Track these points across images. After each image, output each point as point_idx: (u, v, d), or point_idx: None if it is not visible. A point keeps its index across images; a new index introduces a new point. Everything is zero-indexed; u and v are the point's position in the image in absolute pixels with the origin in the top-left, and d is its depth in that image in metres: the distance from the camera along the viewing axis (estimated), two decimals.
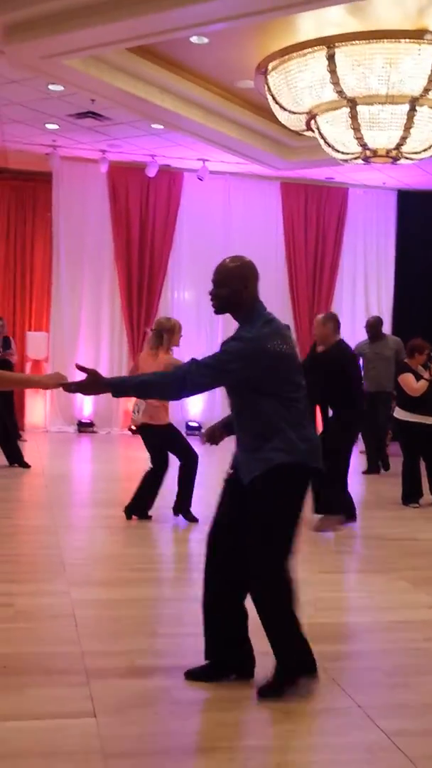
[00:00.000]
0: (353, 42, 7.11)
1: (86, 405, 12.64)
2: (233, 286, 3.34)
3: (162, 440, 6.51)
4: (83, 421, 12.60)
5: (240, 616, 3.39)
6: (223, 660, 3.43)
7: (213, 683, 3.38)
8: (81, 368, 3.27)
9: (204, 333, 12.57)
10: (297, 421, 3.30)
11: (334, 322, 6.61)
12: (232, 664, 3.43)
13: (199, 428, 12.49)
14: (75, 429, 12.54)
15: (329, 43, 7.13)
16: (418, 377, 7.55)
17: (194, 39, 7.64)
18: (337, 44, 7.12)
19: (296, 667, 3.32)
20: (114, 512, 6.63)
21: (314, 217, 13.21)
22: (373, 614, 4.50)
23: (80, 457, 11.31)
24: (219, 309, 3.42)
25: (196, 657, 3.49)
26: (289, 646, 3.32)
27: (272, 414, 3.27)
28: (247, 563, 3.30)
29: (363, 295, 13.59)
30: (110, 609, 4.33)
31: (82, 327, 12.59)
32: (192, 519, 6.49)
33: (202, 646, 3.44)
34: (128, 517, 6.50)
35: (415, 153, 8.27)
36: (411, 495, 7.63)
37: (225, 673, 3.42)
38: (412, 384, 7.52)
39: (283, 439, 3.26)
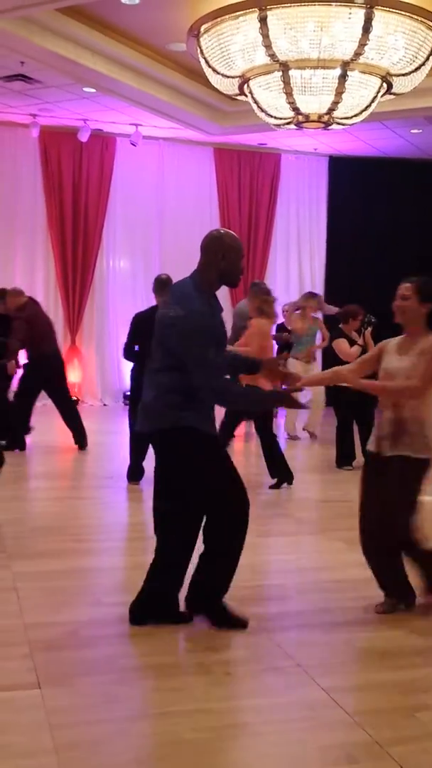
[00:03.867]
0: (285, 5, 7.06)
1: None
2: None
3: None
4: None
5: None
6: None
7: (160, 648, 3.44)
8: None
9: (140, 301, 12.42)
10: None
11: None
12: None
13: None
14: None
15: (261, 5, 7.07)
16: (352, 343, 7.67)
17: (125, 0, 7.49)
18: (269, 7, 7.06)
19: None
20: (53, 484, 6.59)
21: (248, 183, 13.18)
22: (309, 575, 4.61)
23: None
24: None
25: (140, 626, 3.51)
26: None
27: None
28: None
29: (296, 260, 13.67)
30: (52, 580, 4.33)
31: None
32: None
33: None
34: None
35: (347, 118, 8.29)
36: (344, 458, 7.80)
37: None
38: (345, 349, 7.62)
39: None
